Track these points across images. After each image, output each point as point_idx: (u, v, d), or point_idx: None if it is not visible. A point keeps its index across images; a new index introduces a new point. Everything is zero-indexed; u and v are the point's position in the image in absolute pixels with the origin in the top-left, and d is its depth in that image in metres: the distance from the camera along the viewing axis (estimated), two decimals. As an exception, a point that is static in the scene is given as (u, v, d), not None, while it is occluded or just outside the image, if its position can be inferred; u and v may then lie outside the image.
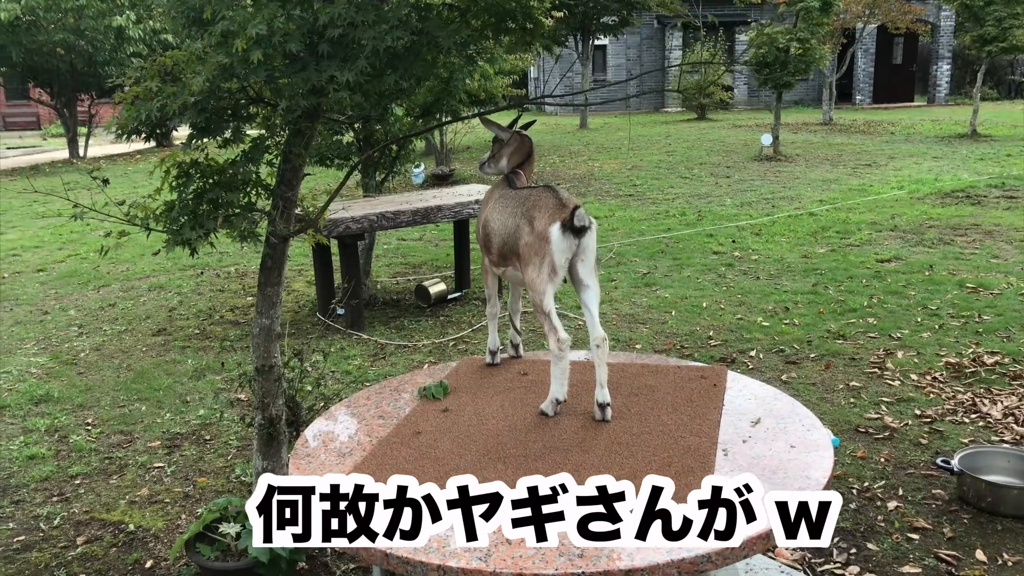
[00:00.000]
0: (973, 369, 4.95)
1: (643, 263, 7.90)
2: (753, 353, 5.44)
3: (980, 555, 3.18)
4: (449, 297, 6.90)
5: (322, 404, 3.62)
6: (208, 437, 4.48)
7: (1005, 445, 3.93)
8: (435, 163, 13.73)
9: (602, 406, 2.52)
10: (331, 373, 5.20)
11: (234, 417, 4.69)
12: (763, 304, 6.49)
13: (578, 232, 2.50)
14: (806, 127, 20.48)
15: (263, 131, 3.20)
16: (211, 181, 3.12)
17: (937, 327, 5.77)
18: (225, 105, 2.92)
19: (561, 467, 2.24)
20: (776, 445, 2.35)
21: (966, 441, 4.07)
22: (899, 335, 5.66)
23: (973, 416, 4.35)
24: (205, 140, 2.94)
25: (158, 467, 4.16)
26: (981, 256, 7.71)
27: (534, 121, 3.43)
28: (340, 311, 6.57)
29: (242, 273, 8.12)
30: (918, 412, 4.43)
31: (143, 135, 2.99)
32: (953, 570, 3.10)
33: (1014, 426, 4.19)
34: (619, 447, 2.35)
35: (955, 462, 3.58)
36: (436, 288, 6.81)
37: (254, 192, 3.19)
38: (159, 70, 2.93)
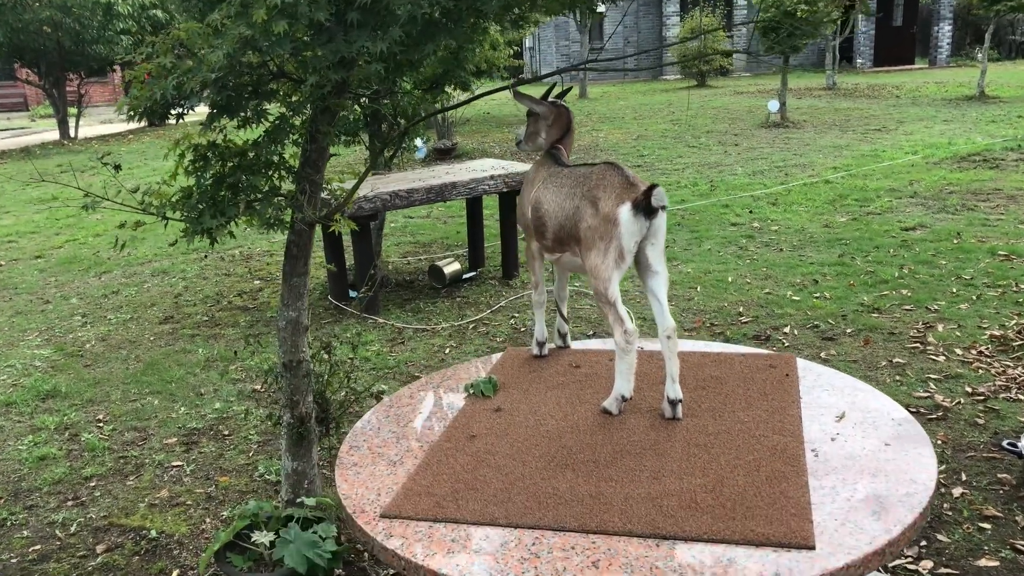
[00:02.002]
0: (1021, 342, 4.75)
1: (660, 236, 7.67)
2: (787, 330, 5.24)
3: (1052, 544, 3.00)
4: (464, 277, 6.67)
5: (352, 399, 3.41)
6: (227, 432, 4.28)
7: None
8: (436, 137, 13.44)
9: (673, 403, 2.31)
10: (353, 362, 4.98)
11: (251, 410, 4.48)
12: (790, 277, 6.28)
13: (650, 213, 2.28)
14: (809, 92, 20.17)
15: (284, 109, 2.96)
16: (231, 164, 2.89)
17: (975, 298, 5.57)
18: (246, 81, 2.68)
19: (636, 473, 2.04)
20: (868, 443, 2.15)
21: (1022, 420, 3.88)
22: (936, 307, 5.45)
23: (1028, 393, 4.16)
24: (224, 120, 2.70)
25: (176, 466, 3.96)
26: (1008, 222, 7.49)
27: (570, 89, 3.20)
28: (354, 295, 6.35)
29: (247, 256, 7.89)
30: (969, 390, 4.23)
31: (158, 116, 2.74)
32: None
33: (1073, 403, 4.00)
34: (698, 449, 2.15)
35: (1022, 445, 3.38)
36: (451, 268, 6.58)
37: (276, 175, 2.96)
38: (173, 44, 2.68)
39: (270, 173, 2.91)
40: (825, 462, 2.06)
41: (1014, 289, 5.69)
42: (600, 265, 2.33)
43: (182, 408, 4.58)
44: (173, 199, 2.86)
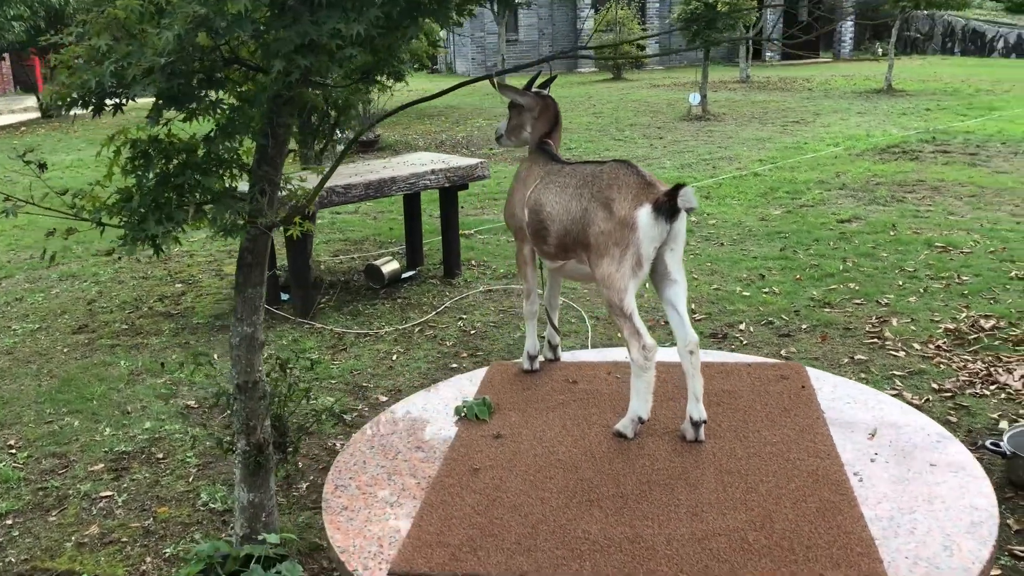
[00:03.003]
0: (975, 335, 4.76)
1: (600, 231, 7.51)
2: (743, 327, 5.13)
3: (1054, 548, 2.93)
4: (403, 276, 6.37)
5: (313, 422, 3.10)
6: (160, 455, 3.89)
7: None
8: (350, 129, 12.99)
9: (697, 424, 2.10)
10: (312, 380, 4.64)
11: (187, 429, 4.10)
12: (736, 272, 6.20)
13: (671, 216, 2.06)
14: (724, 85, 20.44)
15: (233, 100, 2.63)
16: (176, 162, 2.55)
17: (922, 290, 5.59)
18: (197, 68, 2.34)
19: (672, 509, 1.82)
20: (913, 465, 1.98)
21: (995, 416, 3.85)
22: (886, 300, 5.44)
23: (992, 388, 4.14)
24: (172, 113, 2.36)
25: (106, 497, 3.56)
26: (937, 214, 7.62)
27: (554, 77, 2.97)
28: (285, 297, 5.98)
29: (165, 257, 7.38)
30: (935, 386, 4.19)
31: (91, 107, 2.38)
32: (1033, 568, 2.84)
33: (1038, 397, 3.98)
34: (732, 477, 1.94)
35: (1005, 444, 3.32)
36: (389, 267, 6.26)
37: (229, 174, 2.63)
38: (108, 24, 2.32)
39: (222, 172, 2.58)
40: (872, 488, 1.89)
41: (957, 281, 5.74)
42: (614, 274, 2.10)
43: (107, 429, 4.16)
44: (109, 202, 2.51)
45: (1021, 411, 3.88)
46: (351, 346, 5.13)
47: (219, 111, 2.40)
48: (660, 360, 2.43)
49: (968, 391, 4.12)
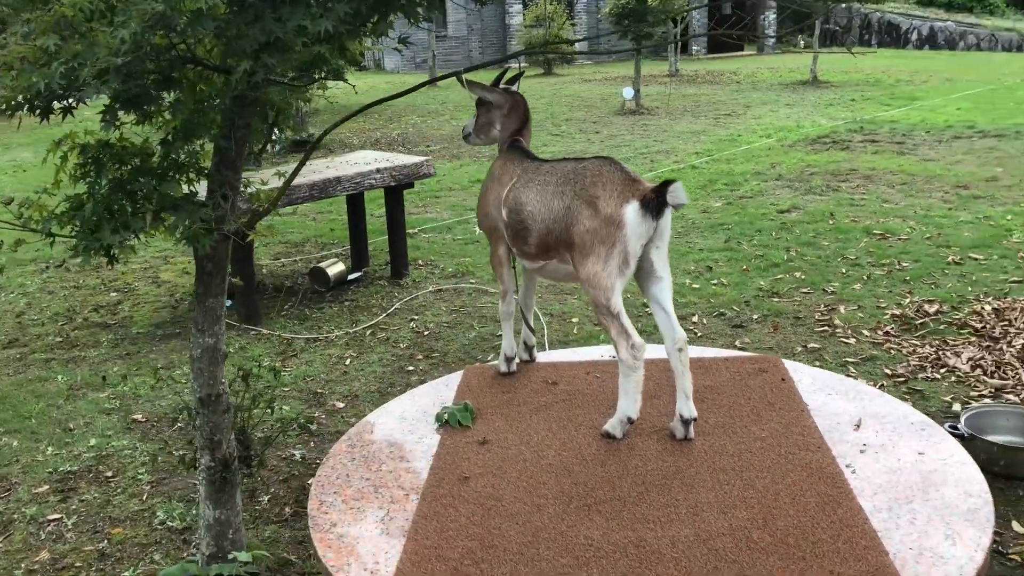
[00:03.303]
0: (921, 320, 4.88)
1: (546, 227, 7.49)
2: (696, 319, 5.17)
3: (1017, 527, 3.00)
4: (349, 278, 6.24)
5: (279, 433, 3.00)
6: (109, 473, 3.72)
7: (1003, 403, 3.82)
8: (292, 129, 12.74)
9: (687, 422, 2.08)
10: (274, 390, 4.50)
11: (136, 444, 3.93)
12: (684, 264, 6.25)
13: (658, 213, 2.03)
14: (654, 79, 20.64)
15: (182, 99, 2.51)
16: (130, 168, 2.42)
17: (865, 278, 5.71)
18: (152, 68, 2.22)
19: (672, 511, 1.79)
20: (901, 454, 1.99)
21: (948, 399, 3.94)
22: (832, 288, 5.54)
23: (943, 371, 4.24)
24: (128, 116, 2.24)
25: (54, 520, 3.39)
26: (872, 201, 7.81)
27: (522, 73, 2.93)
28: (229, 303, 5.80)
29: (96, 264, 7.10)
30: (888, 371, 4.28)
31: (38, 111, 2.24)
32: (999, 547, 2.90)
33: (985, 378, 4.10)
34: (727, 475, 1.93)
35: (963, 427, 3.40)
36: (335, 269, 6.13)
37: (185, 179, 2.51)
38: (55, 22, 2.19)
39: (179, 177, 2.46)
40: (867, 479, 1.89)
41: (898, 268, 5.88)
42: (600, 273, 2.06)
43: (49, 448, 3.96)
44: (58, 211, 2.37)
45: (972, 393, 3.98)
46: (301, 352, 5.00)
47: (179, 113, 2.28)
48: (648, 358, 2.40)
49: (920, 375, 4.21)
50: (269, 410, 2.90)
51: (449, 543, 1.72)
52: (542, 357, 2.73)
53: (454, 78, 2.76)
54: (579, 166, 2.20)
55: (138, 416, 4.24)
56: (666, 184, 2.03)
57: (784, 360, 2.57)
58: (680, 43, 23.46)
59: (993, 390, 3.98)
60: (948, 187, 8.20)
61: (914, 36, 31.05)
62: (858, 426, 2.13)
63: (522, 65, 2.88)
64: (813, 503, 1.79)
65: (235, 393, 2.97)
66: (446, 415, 2.27)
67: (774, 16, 30.00)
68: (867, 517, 1.73)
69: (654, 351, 2.74)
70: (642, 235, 2.05)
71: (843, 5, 28.83)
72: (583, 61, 29.28)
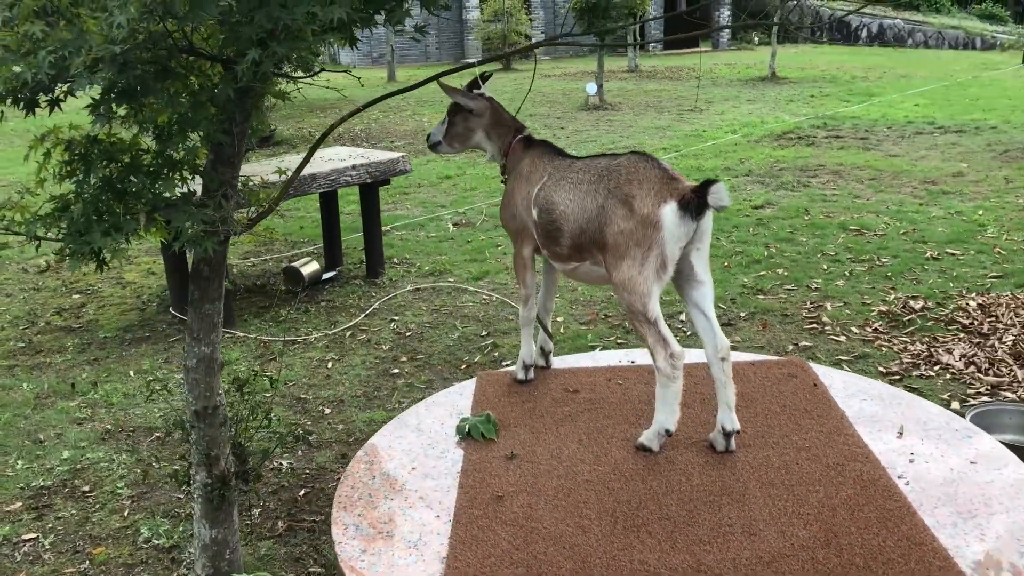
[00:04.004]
0: (908, 317, 4.86)
1: (520, 224, 7.37)
2: (683, 317, 5.09)
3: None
4: (323, 278, 6.06)
5: (276, 446, 2.84)
6: (86, 488, 3.52)
7: (1004, 401, 3.80)
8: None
9: (728, 434, 1.98)
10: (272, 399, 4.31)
11: (112, 455, 3.73)
12: (664, 261, 6.17)
13: (698, 213, 1.92)
14: (614, 75, 20.63)
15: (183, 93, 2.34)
16: (119, 165, 2.25)
17: (847, 274, 5.70)
18: (150, 57, 2.06)
19: (726, 531, 1.69)
20: (953, 463, 1.92)
21: (945, 397, 3.92)
22: (815, 285, 5.52)
23: (936, 368, 4.22)
24: (121, 109, 2.07)
25: (30, 540, 3.19)
26: (844, 197, 7.83)
27: (490, 75, 2.83)
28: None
29: (55, 264, 6.80)
30: (883, 369, 4.24)
31: (22, 104, 2.06)
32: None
33: (980, 375, 4.09)
34: (777, 489, 1.83)
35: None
36: (309, 269, 5.94)
37: (179, 176, 2.35)
38: (40, 7, 2.02)
39: (173, 175, 2.29)
40: (923, 492, 1.81)
41: (878, 263, 5.88)
42: (636, 277, 1.95)
43: (19, 462, 3.74)
44: (43, 213, 2.19)
45: (969, 391, 3.96)
46: (280, 355, 4.82)
47: (178, 106, 2.12)
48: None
49: (914, 373, 4.19)
50: (266, 422, 2.74)
51: (493, 571, 1.60)
52: (557, 363, 2.61)
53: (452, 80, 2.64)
54: (613, 163, 2.08)
55: (110, 426, 4.03)
56: (707, 184, 1.93)
57: (811, 364, 2.48)
58: (640, 39, 23.51)
59: (989, 387, 3.97)
60: (916, 183, 8.27)
61: (864, 33, 31.52)
62: (900, 433, 2.06)
63: (486, 70, 2.77)
64: (874, 519, 1.70)
65: (230, 404, 2.80)
66: (468, 427, 2.15)
67: (729, 13, 30.24)
68: (934, 535, 1.65)
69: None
70: (681, 237, 1.95)
71: (794, 2, 29.17)
72: (541, 56, 29.19)
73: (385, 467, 2.04)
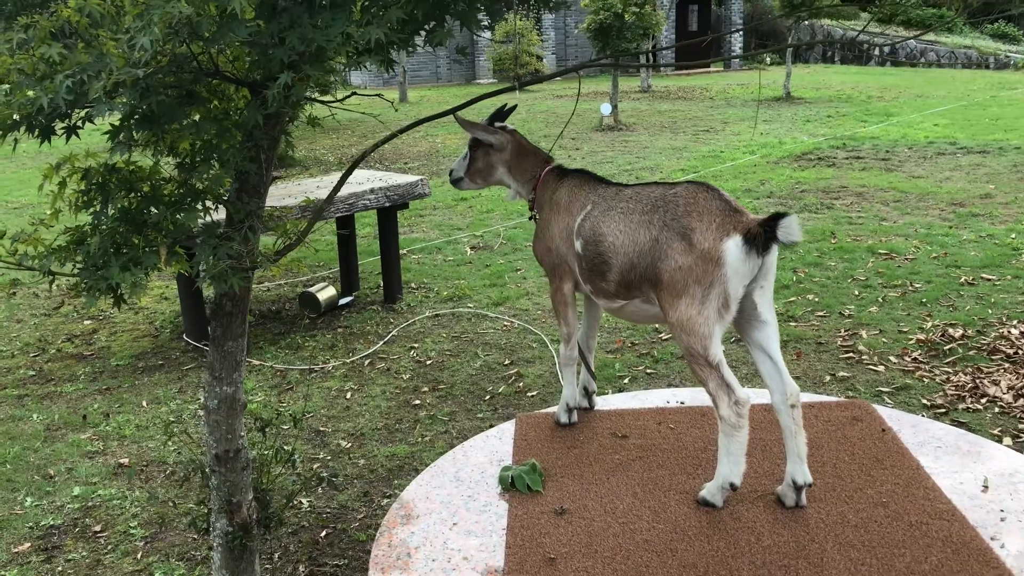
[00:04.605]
0: (948, 346, 4.69)
1: (540, 247, 7.22)
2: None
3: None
4: (340, 303, 5.92)
5: (299, 487, 2.68)
6: (97, 527, 3.37)
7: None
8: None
9: (800, 488, 1.82)
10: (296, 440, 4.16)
11: (125, 492, 3.58)
12: (689, 286, 6.01)
13: (765, 248, 1.77)
14: (627, 95, 20.56)
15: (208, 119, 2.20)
16: (139, 195, 2.11)
17: (880, 300, 5.52)
18: (174, 81, 1.92)
19: (807, 599, 1.52)
20: (1048, 521, 1.74)
21: (996, 432, 3.73)
22: (848, 312, 5.35)
23: (983, 401, 4.04)
24: (142, 135, 1.93)
25: (38, 584, 3.03)
26: (870, 220, 7.66)
27: (515, 107, 2.71)
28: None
29: (65, 288, 6.68)
30: (926, 402, 4.07)
31: (37, 132, 1.92)
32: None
33: (1030, 409, 3.90)
34: (857, 552, 1.66)
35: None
36: (325, 294, 5.81)
37: (202, 206, 2.21)
38: (59, 28, 1.89)
39: (195, 205, 2.15)
40: (1022, 556, 1.64)
41: (911, 289, 5.70)
42: (696, 317, 1.80)
43: (28, 499, 3.59)
44: (58, 246, 2.06)
45: (1020, 425, 3.78)
46: (297, 384, 4.68)
47: (204, 132, 1.98)
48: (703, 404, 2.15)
49: (960, 406, 4.01)
50: (291, 464, 2.58)
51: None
52: (600, 403, 2.45)
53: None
54: (669, 192, 1.93)
55: (125, 460, 3.89)
56: (776, 217, 1.78)
57: (876, 406, 2.31)
58: (650, 58, 23.47)
59: (1041, 421, 3.79)
60: (943, 204, 8.10)
61: (876, 52, 31.41)
62: (986, 487, 1.89)
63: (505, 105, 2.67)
64: (972, 589, 1.54)
65: (251, 443, 2.65)
66: (511, 477, 1.99)
67: (740, 33, 30.19)
68: (1041, 607, 1.48)
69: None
70: (745, 275, 1.80)
71: (806, 23, 29.13)
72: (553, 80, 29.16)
73: (424, 522, 1.88)
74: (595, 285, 2.07)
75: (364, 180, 5.85)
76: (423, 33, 1.98)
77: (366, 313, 5.80)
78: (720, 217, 1.83)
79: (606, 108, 14.44)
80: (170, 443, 3.90)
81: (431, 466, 2.17)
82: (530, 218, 2.50)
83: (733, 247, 1.79)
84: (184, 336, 5.39)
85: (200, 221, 2.09)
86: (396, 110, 2.80)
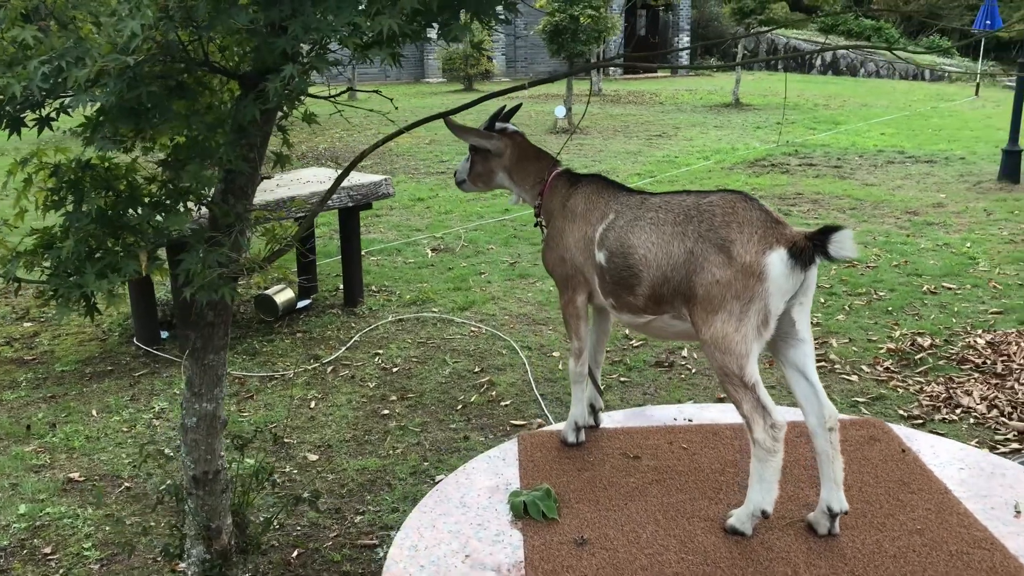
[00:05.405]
0: (918, 355, 4.70)
1: (501, 250, 7.12)
2: (684, 353, 4.87)
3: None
4: (298, 306, 5.71)
5: (279, 511, 2.51)
6: (48, 549, 3.14)
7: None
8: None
9: (835, 516, 1.72)
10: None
11: (77, 511, 3.35)
12: (656, 292, 5.95)
13: (808, 263, 1.68)
14: (579, 98, 20.54)
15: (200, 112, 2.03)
16: (115, 195, 1.93)
17: (847, 308, 5.53)
18: (161, 71, 1.75)
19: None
20: (1089, 550, 1.68)
21: (974, 443, 3.73)
22: (815, 319, 5.33)
23: (959, 412, 4.04)
24: (127, 131, 1.76)
25: (-15, 613, 2.80)
26: (828, 227, 7.70)
27: (518, 106, 2.60)
28: (166, 335, 5.21)
29: (3, 291, 6.34)
30: (902, 412, 4.05)
31: (4, 123, 1.73)
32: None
33: (1005, 420, 3.91)
34: (903, 585, 1.57)
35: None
36: (283, 297, 5.58)
37: (184, 207, 2.03)
38: (29, 10, 1.71)
39: (178, 207, 1.98)
40: (1070, 588, 1.57)
41: (876, 297, 5.73)
42: (733, 335, 1.69)
43: (-31, 518, 3.34)
44: (25, 250, 1.87)
45: (997, 437, 3.78)
46: (257, 393, 4.47)
47: (195, 127, 1.81)
48: (733, 421, 2.05)
49: (937, 417, 4.00)
50: (270, 485, 2.41)
51: None
52: (606, 420, 2.34)
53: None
54: (703, 201, 1.83)
55: (74, 474, 3.64)
56: (827, 231, 1.69)
57: (893, 425, 2.25)
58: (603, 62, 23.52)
59: (1017, 433, 3.79)
60: (898, 213, 8.20)
61: (818, 61, 32.03)
62: (1018, 512, 1.82)
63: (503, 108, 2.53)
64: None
65: (229, 466, 2.47)
66: (524, 504, 1.86)
67: (687, 39, 30.50)
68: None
69: (716, 413, 2.39)
70: (787, 291, 1.71)
71: (751, 33, 29.53)
72: (500, 78, 29.08)
73: (433, 555, 1.74)
74: (620, 299, 1.95)
75: (325, 179, 5.65)
76: (435, 26, 1.84)
77: (326, 317, 5.60)
78: (762, 229, 1.74)
79: (560, 111, 14.36)
80: (122, 447, 3.67)
81: (433, 490, 2.02)
82: (535, 225, 2.38)
83: (777, 261, 1.70)
84: (135, 340, 5.13)
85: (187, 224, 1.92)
86: (396, 108, 2.64)
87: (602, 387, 4.35)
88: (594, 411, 2.28)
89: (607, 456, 2.12)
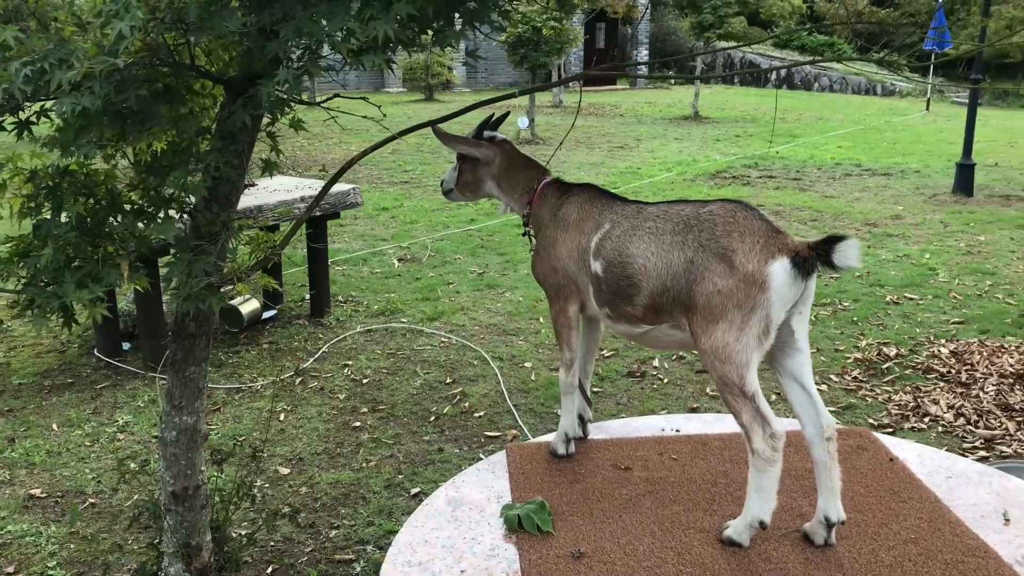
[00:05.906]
0: (885, 365, 4.76)
1: (469, 260, 7.09)
2: (656, 363, 4.88)
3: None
4: (264, 316, 5.62)
5: (259, 526, 2.45)
6: (10, 569, 3.03)
7: (1019, 458, 3.69)
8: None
9: (832, 525, 1.72)
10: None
11: (40, 528, 3.24)
12: (624, 303, 5.96)
13: (809, 273, 1.68)
14: (540, 109, 20.62)
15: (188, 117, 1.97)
16: (95, 203, 1.87)
17: (813, 318, 5.59)
18: (146, 74, 1.70)
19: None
20: (1079, 557, 1.70)
21: (943, 450, 3.78)
22: (783, 330, 5.38)
23: (927, 420, 4.10)
24: (111, 135, 1.70)
25: (-56, 636, 2.69)
26: (790, 238, 7.80)
27: (506, 115, 2.58)
28: (128, 346, 5.09)
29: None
30: (872, 421, 4.10)
31: (-17, 125, 1.67)
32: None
33: (971, 428, 3.98)
34: (903, 595, 1.57)
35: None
36: (248, 307, 5.49)
37: (163, 215, 1.98)
38: (13, 8, 1.65)
39: (160, 215, 1.92)
40: (1064, 595, 1.58)
41: (840, 307, 5.81)
42: (733, 344, 1.68)
43: (-74, 537, 3.21)
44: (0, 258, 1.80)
45: (965, 445, 3.84)
46: (225, 405, 4.38)
47: (183, 132, 1.76)
48: (721, 431, 2.05)
49: (906, 426, 4.05)
50: (248, 500, 2.35)
51: None
52: (593, 431, 2.32)
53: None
54: (702, 211, 1.83)
55: (37, 491, 3.53)
56: (831, 240, 1.69)
57: (877, 434, 2.26)
58: (561, 74, 23.64)
59: (983, 440, 3.86)
60: (858, 224, 8.34)
61: (773, 76, 32.55)
62: (1007, 520, 1.84)
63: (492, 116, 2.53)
64: (1028, 634, 1.47)
65: (209, 480, 2.40)
66: (518, 517, 1.83)
67: (646, 52, 30.83)
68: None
69: (704, 422, 2.38)
70: (789, 300, 1.71)
71: (712, 50, 29.95)
72: (461, 88, 29.09)
73: (428, 569, 1.70)
74: (617, 309, 1.94)
75: (293, 187, 5.58)
76: (430, 32, 1.81)
77: (292, 328, 5.51)
78: (763, 238, 1.74)
79: (523, 121, 14.40)
80: (85, 461, 3.57)
81: (423, 504, 1.99)
82: (523, 234, 2.36)
83: (780, 270, 1.70)
84: (95, 352, 5.00)
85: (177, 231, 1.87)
86: (384, 115, 2.60)
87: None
88: (582, 422, 2.27)
89: (598, 468, 2.10)
